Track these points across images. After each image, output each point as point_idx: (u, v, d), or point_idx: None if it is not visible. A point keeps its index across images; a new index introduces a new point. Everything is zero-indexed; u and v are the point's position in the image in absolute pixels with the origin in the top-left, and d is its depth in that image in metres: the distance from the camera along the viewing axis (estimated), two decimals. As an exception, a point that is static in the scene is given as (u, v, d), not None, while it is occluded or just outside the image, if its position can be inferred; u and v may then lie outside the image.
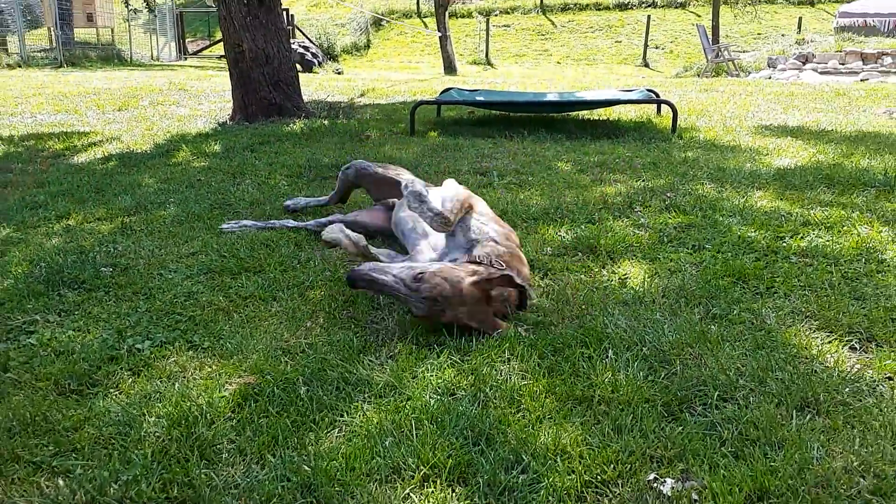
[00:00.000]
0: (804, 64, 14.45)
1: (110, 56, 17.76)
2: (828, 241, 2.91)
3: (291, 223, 3.27)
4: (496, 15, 23.41)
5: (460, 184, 2.75)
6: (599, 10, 23.44)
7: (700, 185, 3.90)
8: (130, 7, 20.10)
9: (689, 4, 22.65)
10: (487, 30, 20.79)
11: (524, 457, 1.56)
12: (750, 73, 15.10)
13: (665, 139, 5.48)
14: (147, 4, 21.02)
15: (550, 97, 7.08)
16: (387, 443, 1.62)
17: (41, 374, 1.96)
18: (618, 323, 2.19)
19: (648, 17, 20.23)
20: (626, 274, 2.65)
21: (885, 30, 16.06)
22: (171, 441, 1.64)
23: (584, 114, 6.85)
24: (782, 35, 18.96)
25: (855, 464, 1.51)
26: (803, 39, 16.61)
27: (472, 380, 1.89)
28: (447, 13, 17.05)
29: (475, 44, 21.44)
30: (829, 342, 2.06)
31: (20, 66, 14.95)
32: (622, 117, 6.78)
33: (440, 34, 16.67)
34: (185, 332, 2.23)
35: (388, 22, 22.22)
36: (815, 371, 1.89)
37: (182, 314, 2.36)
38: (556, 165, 4.53)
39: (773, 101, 8.18)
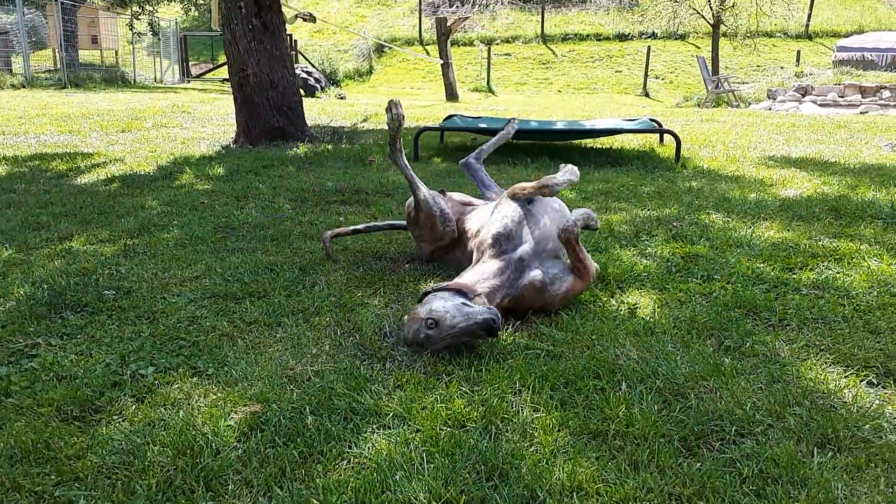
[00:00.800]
0: (804, 96, 14.58)
1: (114, 78, 17.87)
2: (838, 273, 2.88)
3: None
4: (497, 43, 23.64)
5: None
6: (600, 40, 23.70)
7: (706, 214, 3.88)
8: (135, 30, 20.30)
9: (689, 36, 22.89)
10: (489, 58, 20.98)
11: (539, 493, 1.52)
12: (750, 104, 15.21)
13: (669, 168, 5.48)
14: (151, 27, 21.24)
15: (554, 125, 7.10)
16: (397, 476, 1.58)
17: (43, 399, 1.92)
18: (629, 354, 2.16)
19: (648, 47, 20.44)
20: (635, 304, 2.62)
21: (883, 64, 16.23)
22: (175, 471, 1.59)
23: (588, 142, 6.87)
24: (781, 68, 19.16)
25: (879, 504, 1.47)
26: (802, 72, 16.78)
27: (483, 411, 1.85)
28: (449, 41, 17.21)
29: (476, 71, 21.62)
30: (847, 377, 2.02)
31: (24, 87, 15.03)
32: (625, 146, 6.80)
33: (442, 62, 16.80)
34: (189, 358, 2.19)
35: (390, 49, 22.42)
36: (834, 406, 1.86)
37: (186, 339, 2.32)
38: (560, 193, 4.51)
39: (775, 132, 8.22)
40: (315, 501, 1.49)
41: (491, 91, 20.19)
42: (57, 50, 17.05)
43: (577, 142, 6.82)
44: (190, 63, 22.31)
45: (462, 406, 1.88)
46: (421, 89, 20.58)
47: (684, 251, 3.22)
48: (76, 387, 1.98)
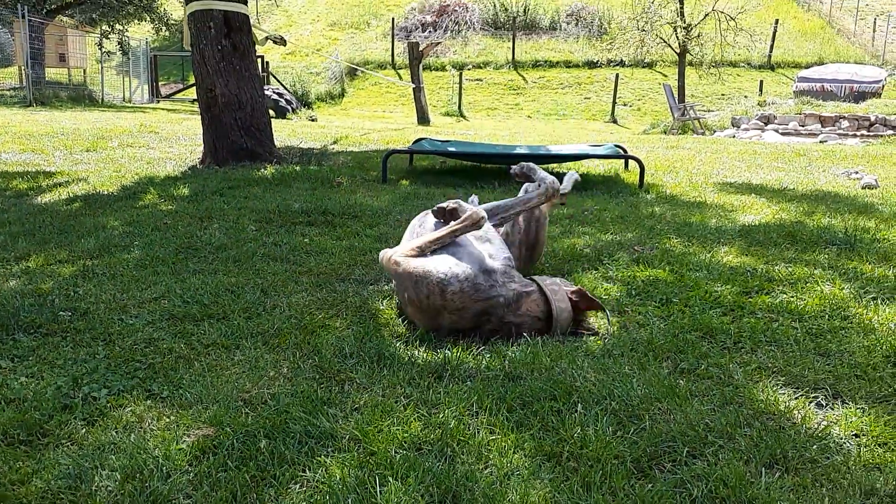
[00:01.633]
0: (766, 124, 14.96)
1: (81, 96, 17.68)
2: (792, 297, 2.95)
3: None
4: (469, 69, 23.92)
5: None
6: (569, 67, 24.12)
7: (667, 239, 3.95)
8: (104, 49, 20.14)
9: (656, 65, 23.41)
10: (460, 83, 21.20)
11: (491, 515, 1.52)
12: (715, 131, 15.56)
13: (633, 193, 5.57)
14: (121, 47, 21.10)
15: (521, 150, 7.18)
16: (349, 500, 1.57)
17: (-11, 422, 1.87)
18: (587, 376, 2.17)
19: (616, 75, 20.86)
20: (595, 325, 2.65)
21: (842, 95, 16.76)
22: (123, 496, 1.56)
23: (554, 166, 6.96)
24: (745, 96, 19.66)
25: (824, 524, 1.50)
26: (765, 101, 17.23)
27: (439, 434, 1.85)
28: (421, 66, 17.36)
29: (448, 96, 21.82)
30: (796, 398, 2.06)
31: (-12, 105, 14.78)
32: (591, 171, 6.90)
33: (414, 86, 16.94)
34: (143, 381, 2.16)
35: (363, 72, 22.55)
36: (783, 428, 1.89)
37: (142, 361, 2.29)
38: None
39: (738, 159, 8.41)
40: (265, 526, 1.47)
41: (462, 116, 20.37)
42: (23, 67, 16.83)
43: (543, 166, 6.90)
44: (160, 83, 22.19)
45: (419, 429, 1.88)
46: (393, 112, 20.70)
47: (645, 275, 3.27)
48: (25, 410, 1.93)
